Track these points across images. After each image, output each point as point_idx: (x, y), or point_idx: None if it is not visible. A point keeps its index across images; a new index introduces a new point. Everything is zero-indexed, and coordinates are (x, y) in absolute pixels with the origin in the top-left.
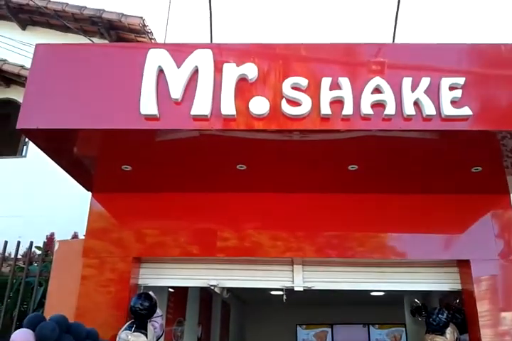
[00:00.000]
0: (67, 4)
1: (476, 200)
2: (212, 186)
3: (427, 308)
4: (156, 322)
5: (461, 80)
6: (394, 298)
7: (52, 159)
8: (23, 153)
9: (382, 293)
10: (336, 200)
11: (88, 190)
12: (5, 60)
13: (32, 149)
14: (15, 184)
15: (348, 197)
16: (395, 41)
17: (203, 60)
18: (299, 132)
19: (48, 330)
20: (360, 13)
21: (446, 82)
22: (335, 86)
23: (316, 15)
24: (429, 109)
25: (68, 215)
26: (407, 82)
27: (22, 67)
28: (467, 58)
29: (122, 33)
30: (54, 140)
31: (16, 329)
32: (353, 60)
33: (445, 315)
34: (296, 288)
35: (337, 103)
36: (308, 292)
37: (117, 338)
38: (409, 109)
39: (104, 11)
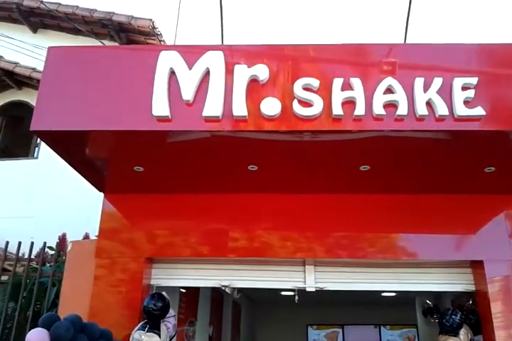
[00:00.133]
0: (77, 7)
1: (489, 200)
2: (223, 187)
3: (439, 309)
4: (169, 323)
5: (473, 80)
6: (405, 299)
7: (65, 160)
8: (35, 155)
9: (393, 294)
10: (347, 201)
11: (100, 191)
12: (17, 63)
13: (44, 150)
14: (27, 185)
15: (359, 197)
16: (407, 41)
17: (214, 61)
18: (311, 133)
19: (62, 330)
20: (372, 14)
21: (458, 82)
22: (346, 86)
23: (327, 16)
24: (441, 109)
25: (79, 216)
26: (419, 82)
27: (33, 69)
28: (479, 58)
29: (132, 35)
30: (67, 141)
31: (30, 329)
32: (364, 61)
33: (458, 316)
34: (308, 289)
35: (349, 103)
36: (319, 292)
37: (131, 338)
38: (421, 109)
39: (114, 13)
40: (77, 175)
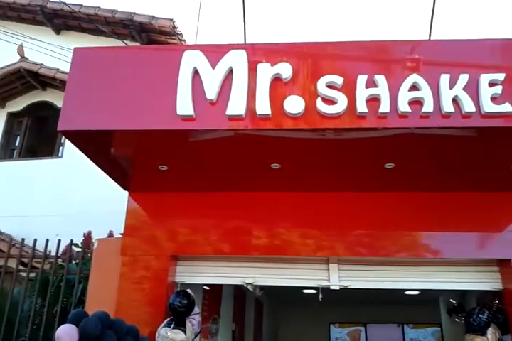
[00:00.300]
0: (99, 8)
1: None
2: (246, 185)
3: (464, 308)
4: (194, 320)
5: (501, 76)
6: (429, 297)
7: (91, 159)
8: (60, 154)
9: (416, 292)
10: (370, 199)
11: (125, 190)
12: (41, 64)
13: (68, 150)
14: (52, 184)
15: (382, 195)
16: (431, 38)
17: (237, 60)
18: (335, 130)
19: (91, 326)
20: (396, 11)
21: (485, 78)
22: (371, 83)
23: (350, 13)
24: (468, 105)
25: (103, 214)
26: (444, 79)
27: (57, 70)
28: (507, 54)
29: (153, 35)
30: (93, 141)
31: (58, 325)
32: (388, 58)
33: (486, 315)
34: (332, 287)
35: (373, 101)
36: (341, 290)
37: (157, 334)
38: (447, 106)
39: (135, 14)
40: (101, 173)
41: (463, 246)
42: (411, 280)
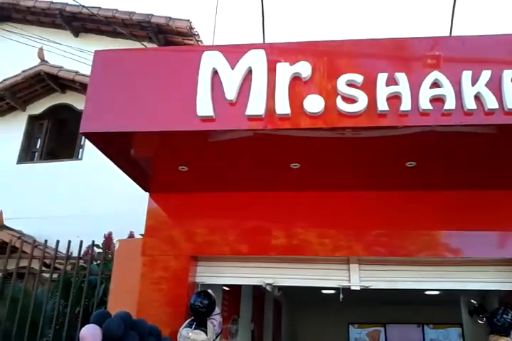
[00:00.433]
0: (116, 10)
1: None
2: (265, 185)
3: (485, 308)
4: (215, 320)
5: None
6: (449, 297)
7: (113, 161)
8: (79, 156)
9: (437, 292)
10: (390, 198)
11: (145, 191)
12: (61, 67)
13: (87, 151)
14: (72, 185)
15: (402, 194)
16: (452, 34)
17: (256, 60)
18: (355, 129)
19: (114, 326)
20: (417, 8)
21: (508, 74)
22: (391, 81)
23: (369, 10)
24: (491, 102)
25: (123, 214)
26: (466, 76)
27: (76, 72)
28: None
29: (170, 37)
30: (115, 143)
31: (81, 325)
32: (409, 55)
33: (510, 315)
34: (353, 287)
35: (394, 99)
36: (361, 291)
37: (178, 335)
38: (469, 103)
39: (152, 15)
40: (120, 175)
41: (484, 246)
42: (432, 280)
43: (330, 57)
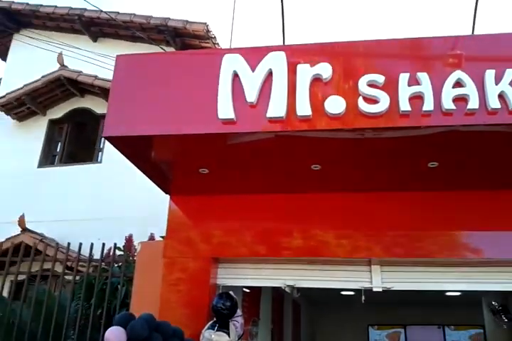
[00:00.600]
0: (134, 15)
1: None
2: (286, 187)
3: (508, 309)
4: (237, 322)
5: None
6: (470, 299)
7: (134, 164)
8: (99, 159)
9: (458, 293)
10: (409, 198)
11: (166, 193)
12: (80, 72)
13: (107, 155)
14: (92, 188)
15: (421, 194)
16: (475, 32)
17: (276, 62)
18: (377, 130)
19: (138, 328)
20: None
21: None
22: (413, 81)
23: (389, 9)
24: None
25: (144, 217)
26: (490, 75)
27: (95, 77)
28: None
29: (187, 40)
30: (137, 146)
31: (104, 328)
32: (430, 54)
33: None
34: (374, 289)
35: (416, 99)
36: (381, 292)
37: (201, 337)
38: (493, 103)
39: (169, 19)
40: (139, 177)
41: (506, 246)
42: (453, 282)
43: (350, 58)
